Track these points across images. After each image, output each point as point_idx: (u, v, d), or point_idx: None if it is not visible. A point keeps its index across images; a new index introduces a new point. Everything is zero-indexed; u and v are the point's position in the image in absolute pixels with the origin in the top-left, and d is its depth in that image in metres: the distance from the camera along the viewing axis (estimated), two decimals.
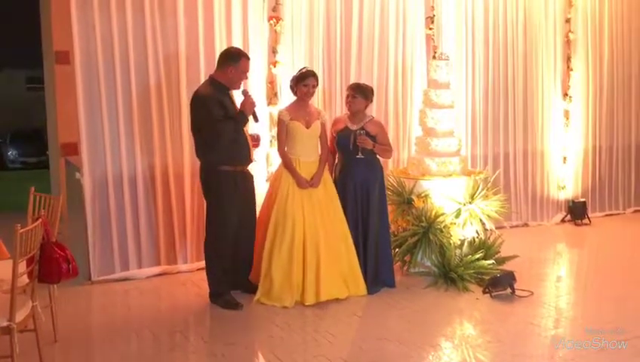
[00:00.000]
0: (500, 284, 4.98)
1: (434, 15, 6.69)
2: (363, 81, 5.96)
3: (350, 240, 4.99)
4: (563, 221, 7.71)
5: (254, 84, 5.68)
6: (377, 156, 5.17)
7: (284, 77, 5.78)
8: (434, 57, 6.26)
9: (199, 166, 4.79)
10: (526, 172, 7.50)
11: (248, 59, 4.74)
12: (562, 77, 7.65)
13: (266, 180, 5.60)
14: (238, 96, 4.78)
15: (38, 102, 10.02)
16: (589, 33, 7.77)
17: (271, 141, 5.77)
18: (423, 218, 5.36)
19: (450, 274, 5.22)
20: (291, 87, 4.99)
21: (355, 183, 5.07)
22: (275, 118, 5.40)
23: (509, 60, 7.24)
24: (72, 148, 5.79)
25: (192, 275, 5.53)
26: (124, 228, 5.39)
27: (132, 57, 5.32)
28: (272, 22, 5.80)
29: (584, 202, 7.72)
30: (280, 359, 3.85)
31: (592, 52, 7.83)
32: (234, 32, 5.68)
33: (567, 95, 7.66)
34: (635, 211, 8.37)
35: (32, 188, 4.32)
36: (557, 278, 5.84)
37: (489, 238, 5.58)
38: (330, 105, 6.14)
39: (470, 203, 5.49)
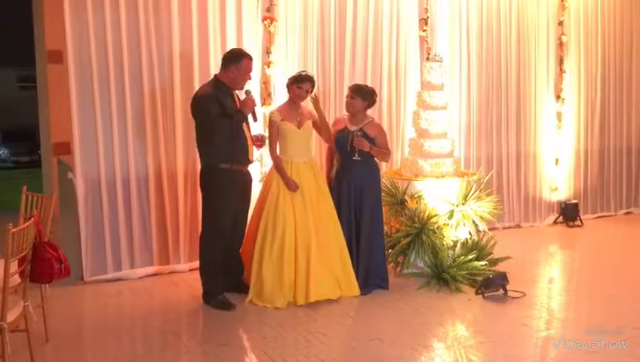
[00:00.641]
0: (492, 285, 4.99)
1: (428, 17, 6.71)
2: (358, 81, 5.98)
3: (343, 241, 4.99)
4: (555, 222, 7.75)
5: (248, 84, 5.67)
6: (375, 159, 5.18)
7: (278, 77, 5.79)
8: (427, 59, 6.28)
9: (200, 164, 4.81)
10: (519, 173, 7.53)
11: (251, 59, 4.77)
12: (555, 79, 7.69)
13: (259, 181, 5.59)
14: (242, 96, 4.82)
15: (30, 102, 9.97)
16: (581, 36, 7.81)
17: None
18: (416, 219, 5.37)
19: (443, 275, 5.23)
20: (287, 86, 5.00)
21: (350, 184, 5.07)
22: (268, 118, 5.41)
23: (502, 62, 7.27)
24: (65, 148, 5.77)
25: (184, 276, 5.52)
26: (116, 228, 5.38)
27: (125, 57, 5.30)
28: (266, 22, 5.80)
29: (576, 204, 7.75)
30: (273, 359, 3.84)
31: (585, 54, 7.87)
32: (228, 32, 5.68)
33: (559, 97, 7.70)
34: (627, 213, 8.42)
35: (25, 188, 4.30)
36: (549, 279, 5.86)
37: (482, 239, 5.59)
38: (324, 105, 6.12)
39: (463, 204, 5.51)
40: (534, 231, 7.46)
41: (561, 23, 7.64)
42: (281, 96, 5.68)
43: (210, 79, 4.88)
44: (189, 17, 5.52)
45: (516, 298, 4.94)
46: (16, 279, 3.41)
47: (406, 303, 4.89)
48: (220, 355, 3.92)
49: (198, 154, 5.47)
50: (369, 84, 6.20)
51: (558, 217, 7.76)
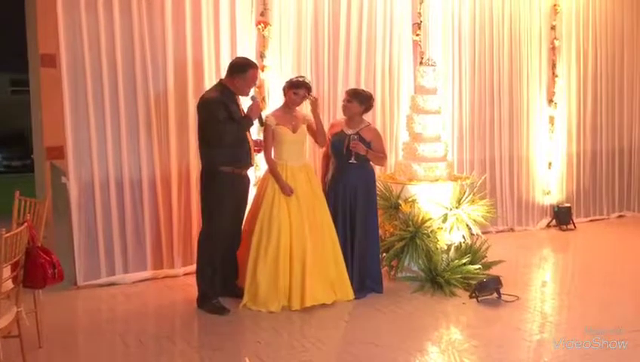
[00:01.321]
0: (486, 289, 5.00)
1: (421, 21, 6.73)
2: (350, 86, 5.99)
3: (337, 245, 4.99)
4: (548, 226, 7.78)
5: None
6: (371, 163, 5.18)
7: (272, 81, 5.79)
8: (421, 63, 6.29)
9: (200, 166, 4.83)
10: (512, 177, 7.56)
11: (256, 69, 4.83)
12: (547, 83, 7.73)
13: (254, 185, 5.59)
14: (245, 100, 4.85)
15: (23, 106, 9.92)
16: (573, 40, 7.86)
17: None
18: (410, 223, 5.38)
19: (437, 279, 5.24)
20: (283, 90, 5.01)
21: (345, 188, 5.08)
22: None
23: (495, 66, 7.31)
24: (58, 152, 5.74)
25: (179, 280, 5.50)
26: (110, 232, 5.36)
27: (119, 61, 5.30)
28: (260, 27, 5.81)
29: (569, 207, 7.79)
30: None
31: (577, 59, 7.92)
32: (222, 37, 5.68)
33: (552, 101, 7.74)
34: (619, 216, 8.47)
35: (17, 192, 4.29)
36: (542, 283, 5.88)
37: (475, 243, 5.61)
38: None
39: (457, 208, 5.52)
40: (527, 235, 7.49)
41: (553, 28, 7.69)
42: (275, 100, 5.68)
43: (215, 83, 4.92)
44: (183, 21, 5.52)
45: (510, 301, 4.95)
46: (9, 284, 3.40)
47: (400, 307, 4.89)
48: (214, 360, 3.91)
49: (191, 157, 5.53)
50: (363, 87, 6.23)
51: (551, 221, 7.79)
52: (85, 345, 4.31)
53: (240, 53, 5.62)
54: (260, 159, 5.43)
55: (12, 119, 18.48)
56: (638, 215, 8.62)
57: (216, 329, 4.44)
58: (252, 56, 5.71)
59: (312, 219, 4.90)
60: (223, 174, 4.65)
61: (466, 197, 5.58)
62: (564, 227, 7.69)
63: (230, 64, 4.84)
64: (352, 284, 5.00)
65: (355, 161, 5.02)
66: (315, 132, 5.06)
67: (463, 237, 5.53)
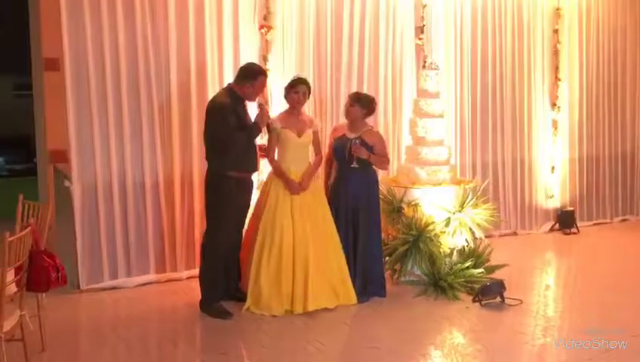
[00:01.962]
0: (489, 293, 4.99)
1: (424, 25, 6.73)
2: (353, 90, 5.99)
3: (340, 249, 4.98)
4: (552, 230, 7.76)
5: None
6: (374, 167, 5.18)
7: (275, 85, 5.80)
8: (424, 67, 6.29)
9: (206, 170, 4.82)
10: (515, 181, 7.55)
11: (266, 76, 4.86)
12: (550, 87, 7.72)
13: (256, 188, 5.59)
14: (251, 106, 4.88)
15: (26, 109, 9.95)
16: (576, 43, 7.85)
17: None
18: (413, 226, 5.37)
19: (440, 283, 5.23)
20: (285, 96, 5.01)
21: (348, 192, 5.07)
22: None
23: (498, 70, 7.30)
24: (61, 156, 5.75)
25: (182, 284, 5.50)
26: (113, 236, 5.36)
27: (122, 65, 5.31)
28: (263, 30, 5.82)
29: (572, 211, 7.77)
30: None
31: (580, 62, 7.91)
32: (225, 40, 5.69)
33: (555, 105, 7.73)
34: (623, 220, 8.45)
35: (21, 196, 4.29)
36: (546, 287, 5.87)
37: (479, 247, 5.60)
38: (320, 114, 6.15)
39: (460, 211, 5.51)
40: (531, 239, 7.47)
41: (556, 31, 7.68)
42: (277, 103, 5.68)
43: (224, 87, 4.92)
44: (186, 25, 5.53)
45: (513, 305, 4.94)
46: (12, 288, 3.40)
47: (403, 311, 4.89)
48: None
49: (194, 160, 5.53)
50: (365, 91, 6.23)
51: (555, 224, 7.77)
52: (88, 348, 4.31)
53: (243, 57, 5.63)
54: (263, 164, 5.43)
55: (15, 123, 18.51)
56: None
57: (220, 333, 4.44)
58: (255, 59, 5.72)
59: (314, 222, 4.90)
60: (230, 179, 4.66)
61: (469, 201, 5.57)
62: (568, 231, 7.67)
63: (240, 69, 4.84)
64: (354, 288, 5.00)
65: (357, 166, 5.01)
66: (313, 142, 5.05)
67: (466, 240, 5.53)
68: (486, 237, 5.82)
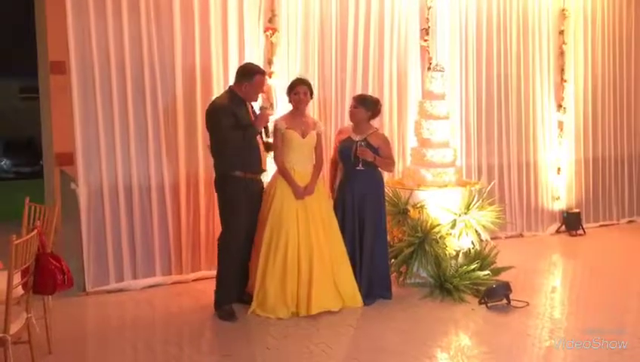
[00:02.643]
0: (495, 295, 4.98)
1: (429, 27, 6.73)
2: (359, 92, 5.99)
3: (345, 251, 4.98)
4: (558, 231, 7.73)
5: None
6: (379, 169, 5.17)
7: (280, 87, 5.80)
8: (429, 69, 6.29)
9: (214, 172, 4.86)
10: (521, 183, 7.52)
11: (264, 75, 4.88)
12: (556, 88, 7.69)
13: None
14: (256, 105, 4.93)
15: (32, 112, 9.99)
16: (581, 44, 7.83)
17: None
18: (419, 228, 5.36)
19: (445, 285, 5.21)
20: (288, 99, 5.03)
21: (354, 194, 5.07)
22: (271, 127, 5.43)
23: (503, 71, 7.28)
24: (67, 158, 5.77)
25: (187, 286, 5.51)
26: (119, 238, 5.37)
27: (128, 68, 5.32)
28: (268, 33, 5.82)
29: (578, 213, 7.74)
30: None
31: (585, 63, 7.88)
32: (230, 43, 5.70)
33: (561, 106, 7.71)
34: (630, 221, 8.40)
35: (27, 199, 4.31)
36: (552, 289, 5.85)
37: (484, 249, 5.59)
38: (324, 116, 6.15)
39: (465, 213, 5.50)
40: (537, 241, 7.44)
41: (561, 32, 7.65)
42: (282, 105, 5.69)
43: (225, 90, 4.97)
44: (192, 28, 5.54)
45: (519, 307, 4.92)
46: (19, 291, 3.41)
47: (409, 313, 4.88)
48: None
49: (200, 162, 5.56)
50: (370, 93, 6.23)
51: (561, 226, 7.74)
52: (94, 351, 4.32)
53: (248, 60, 5.63)
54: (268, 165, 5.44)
55: (22, 126, 18.59)
56: None
57: (225, 335, 4.44)
58: (260, 62, 5.73)
59: (319, 225, 4.90)
60: (236, 178, 4.69)
61: (475, 203, 5.56)
62: (574, 232, 7.64)
63: (238, 70, 4.88)
64: (360, 290, 4.99)
65: (362, 168, 5.01)
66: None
67: (472, 243, 5.51)
68: (492, 239, 5.80)
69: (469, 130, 7.10)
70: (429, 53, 6.73)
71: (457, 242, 5.45)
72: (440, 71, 5.96)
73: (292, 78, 5.73)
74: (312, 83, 5.12)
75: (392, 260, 5.40)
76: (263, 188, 4.99)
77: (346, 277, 4.96)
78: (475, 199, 5.59)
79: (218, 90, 5.55)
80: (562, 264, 6.87)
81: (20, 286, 3.40)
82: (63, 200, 5.88)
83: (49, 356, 4.00)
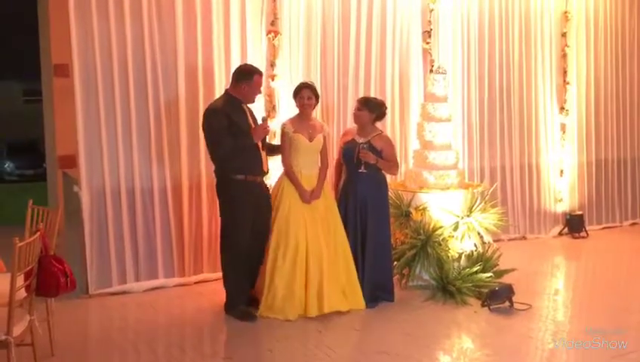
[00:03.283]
0: (498, 297, 4.97)
1: (431, 29, 6.73)
2: (361, 94, 6.00)
3: (349, 254, 4.98)
4: (560, 234, 7.72)
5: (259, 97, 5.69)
6: (382, 172, 5.17)
7: (282, 90, 5.81)
8: (431, 71, 6.29)
9: (215, 175, 4.86)
10: (523, 185, 7.52)
11: (261, 75, 4.88)
12: (558, 90, 7.69)
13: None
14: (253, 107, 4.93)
15: (36, 115, 10.02)
16: (583, 47, 7.82)
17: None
18: (421, 231, 5.36)
19: (448, 288, 5.21)
20: (295, 103, 5.03)
21: (357, 197, 5.06)
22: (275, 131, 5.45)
23: (505, 73, 7.28)
24: (70, 161, 5.79)
25: (190, 288, 5.51)
26: (121, 241, 5.37)
27: (131, 71, 5.34)
28: (270, 36, 5.83)
29: (581, 215, 7.73)
30: None
31: (588, 66, 7.88)
32: (232, 46, 5.71)
33: (563, 108, 7.70)
34: (633, 224, 8.39)
35: (30, 201, 4.32)
36: (555, 291, 5.83)
37: (487, 251, 5.57)
38: (327, 119, 6.15)
39: (468, 216, 5.50)
40: (540, 243, 7.43)
41: (564, 35, 7.65)
42: (285, 108, 5.70)
43: (222, 94, 4.97)
44: (194, 31, 5.55)
45: (522, 310, 4.91)
46: (22, 293, 3.42)
47: (412, 316, 4.87)
48: None
49: (202, 165, 5.57)
50: (374, 96, 6.23)
51: (564, 228, 7.73)
52: (97, 353, 4.32)
53: (250, 62, 5.64)
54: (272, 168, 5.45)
55: (25, 128, 18.65)
56: None
57: (228, 337, 4.44)
58: (262, 65, 5.74)
59: (325, 227, 4.91)
60: (237, 182, 4.68)
61: (478, 205, 5.56)
62: (577, 235, 7.63)
63: (235, 71, 4.87)
64: (363, 293, 4.99)
65: (365, 171, 5.01)
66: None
67: (475, 245, 5.51)
68: (494, 241, 5.80)
69: (471, 132, 7.09)
70: (431, 55, 6.74)
71: (460, 244, 5.45)
72: (442, 73, 5.96)
73: (294, 80, 5.77)
74: (314, 85, 5.12)
75: (395, 263, 5.40)
76: (266, 189, 4.98)
77: (350, 280, 4.96)
78: (478, 201, 5.58)
79: (220, 93, 5.53)
80: (565, 266, 6.86)
81: (23, 289, 3.41)
82: (66, 202, 5.89)
83: (52, 358, 4.01)
